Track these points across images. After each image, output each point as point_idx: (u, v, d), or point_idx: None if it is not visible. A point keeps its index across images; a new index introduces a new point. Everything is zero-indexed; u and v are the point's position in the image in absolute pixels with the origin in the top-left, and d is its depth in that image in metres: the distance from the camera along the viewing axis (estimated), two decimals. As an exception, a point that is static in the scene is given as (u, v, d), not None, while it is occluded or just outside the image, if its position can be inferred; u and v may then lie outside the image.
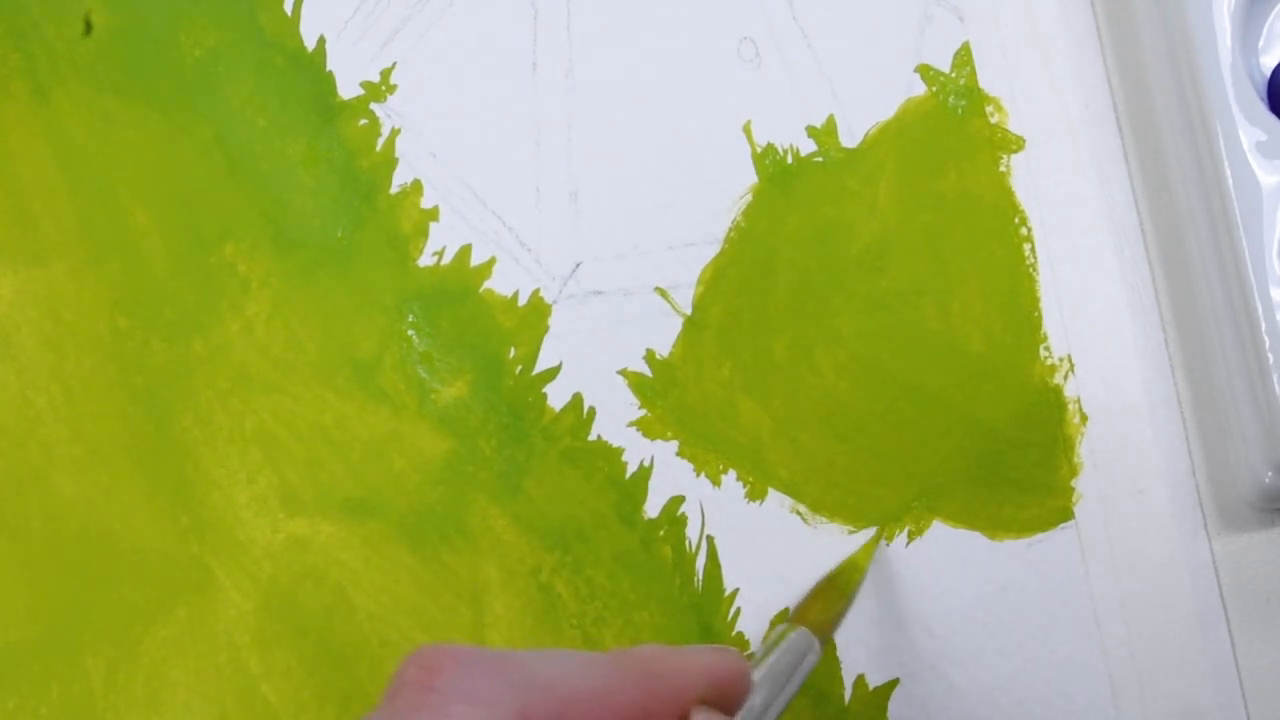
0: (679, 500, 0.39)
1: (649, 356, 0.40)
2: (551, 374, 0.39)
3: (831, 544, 0.40)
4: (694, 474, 0.39)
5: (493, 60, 0.40)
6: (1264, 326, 0.37)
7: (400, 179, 0.39)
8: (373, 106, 0.39)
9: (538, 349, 0.39)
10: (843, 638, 0.39)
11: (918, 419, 0.40)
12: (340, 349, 0.38)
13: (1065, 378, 0.41)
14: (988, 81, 0.42)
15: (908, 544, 0.40)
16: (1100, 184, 0.42)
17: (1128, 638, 0.40)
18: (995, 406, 0.41)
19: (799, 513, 0.40)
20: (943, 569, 0.40)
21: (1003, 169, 0.42)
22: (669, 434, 0.39)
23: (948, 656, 0.40)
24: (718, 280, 0.40)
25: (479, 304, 0.39)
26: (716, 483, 0.40)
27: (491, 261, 0.39)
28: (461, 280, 0.39)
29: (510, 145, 0.40)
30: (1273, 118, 0.38)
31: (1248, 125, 0.38)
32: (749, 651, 0.35)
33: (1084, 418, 0.41)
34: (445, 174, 0.39)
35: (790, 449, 0.40)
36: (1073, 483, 0.41)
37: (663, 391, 0.40)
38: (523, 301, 0.39)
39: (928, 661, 0.40)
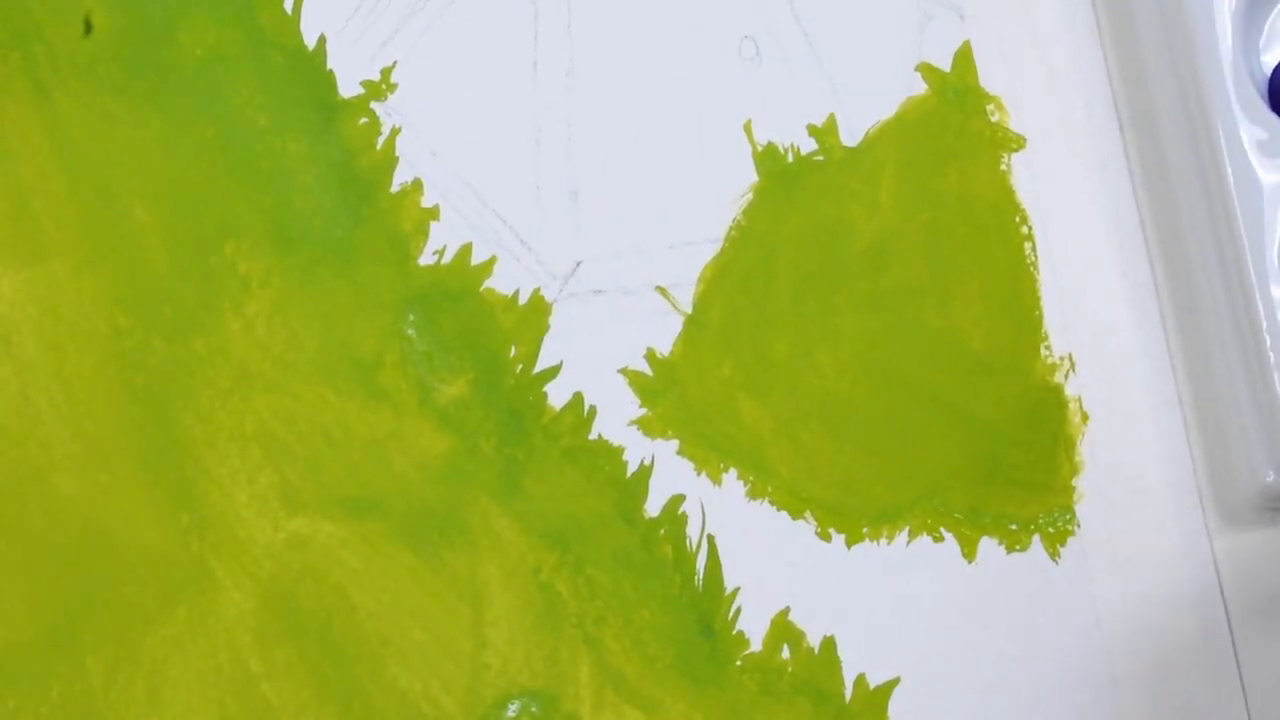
0: (679, 499, 0.39)
1: (649, 355, 0.40)
2: (552, 373, 0.39)
3: (832, 543, 0.40)
4: (695, 473, 0.39)
5: (493, 59, 0.40)
6: (1264, 325, 0.38)
7: (400, 178, 0.39)
8: (373, 105, 0.39)
9: (538, 348, 0.39)
10: (843, 637, 0.39)
11: (918, 418, 0.40)
12: (341, 348, 0.38)
13: (1066, 376, 0.41)
14: (988, 80, 0.42)
15: (908, 543, 0.40)
16: (1101, 183, 0.42)
17: (1128, 637, 0.40)
18: (996, 405, 0.41)
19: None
20: (943, 568, 0.40)
21: (1003, 168, 0.42)
22: (670, 433, 0.39)
23: (948, 656, 0.40)
24: (718, 279, 0.40)
25: (479, 303, 0.39)
26: (717, 482, 0.39)
27: (492, 260, 0.39)
28: (462, 279, 0.39)
29: (510, 144, 0.40)
30: (1273, 116, 0.38)
31: (1248, 124, 0.38)
32: None
33: (1085, 416, 0.41)
34: (446, 173, 0.39)
35: (791, 448, 0.40)
36: (1074, 481, 0.41)
37: (663, 390, 0.40)
38: (523, 300, 0.39)
39: (928, 661, 0.40)
